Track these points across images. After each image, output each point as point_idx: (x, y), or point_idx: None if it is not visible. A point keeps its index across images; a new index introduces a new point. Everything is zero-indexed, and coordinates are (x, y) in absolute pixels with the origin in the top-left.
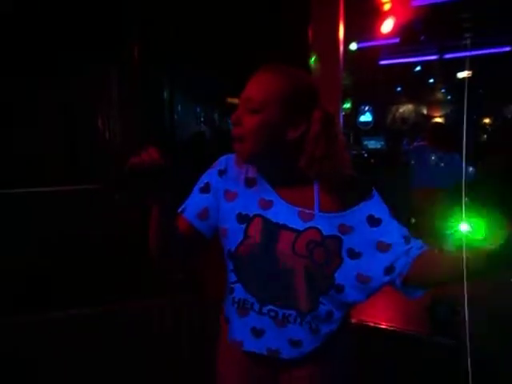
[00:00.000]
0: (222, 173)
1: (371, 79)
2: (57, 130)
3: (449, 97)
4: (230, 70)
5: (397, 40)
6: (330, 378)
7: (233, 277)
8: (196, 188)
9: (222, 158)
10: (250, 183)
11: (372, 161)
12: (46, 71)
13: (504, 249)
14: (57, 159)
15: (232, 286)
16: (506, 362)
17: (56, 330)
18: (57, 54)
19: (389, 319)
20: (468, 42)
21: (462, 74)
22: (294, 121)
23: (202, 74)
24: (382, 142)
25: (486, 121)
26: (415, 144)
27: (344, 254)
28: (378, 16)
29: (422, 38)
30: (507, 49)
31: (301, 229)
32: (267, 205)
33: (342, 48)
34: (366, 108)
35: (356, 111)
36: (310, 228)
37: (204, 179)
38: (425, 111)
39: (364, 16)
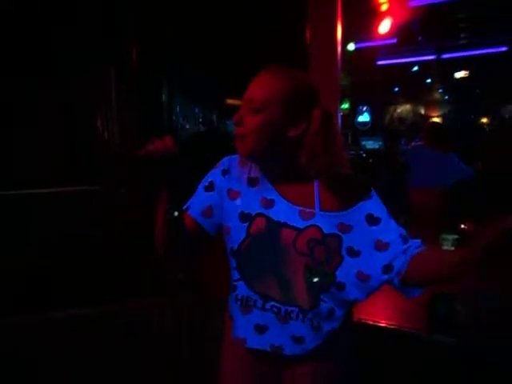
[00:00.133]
0: (225, 172)
1: (369, 79)
2: (56, 130)
3: (446, 97)
4: (229, 71)
5: (394, 40)
6: (332, 375)
7: (236, 274)
8: (200, 186)
9: (225, 159)
10: (252, 183)
11: (370, 161)
12: (45, 71)
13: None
14: (56, 160)
15: (235, 283)
16: (502, 359)
17: (56, 330)
18: (56, 54)
19: (388, 317)
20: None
21: (459, 74)
22: (295, 120)
23: (201, 74)
24: (380, 142)
25: (484, 120)
26: (413, 144)
27: (344, 252)
28: (376, 16)
29: (420, 38)
30: (504, 49)
31: (301, 227)
32: (269, 204)
33: (339, 48)
34: (364, 108)
35: (354, 111)
36: (310, 226)
37: (208, 178)
38: (422, 111)
39: (362, 16)
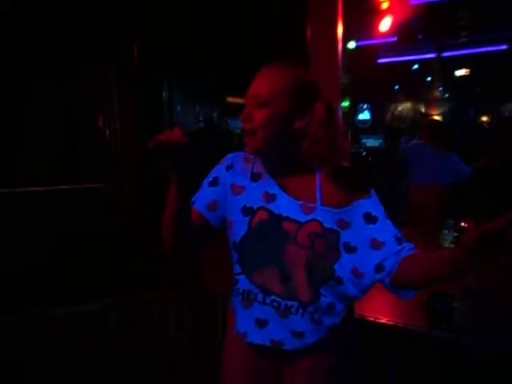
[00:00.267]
0: (228, 168)
1: (369, 77)
2: (57, 129)
3: (446, 95)
4: (229, 70)
5: (395, 38)
6: (333, 371)
7: (237, 268)
8: (205, 182)
9: (229, 155)
10: (255, 178)
11: (370, 159)
12: (46, 71)
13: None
14: (57, 158)
15: (237, 277)
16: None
17: (57, 328)
18: (57, 54)
19: (388, 314)
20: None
21: (459, 72)
22: (300, 112)
23: (201, 73)
24: (381, 140)
25: (484, 119)
26: (413, 142)
27: (341, 247)
28: (376, 14)
29: (420, 36)
30: (504, 47)
31: (302, 221)
32: (271, 198)
33: (340, 47)
34: (365, 106)
35: (354, 109)
36: (311, 220)
37: (212, 174)
38: (423, 109)
39: (362, 15)
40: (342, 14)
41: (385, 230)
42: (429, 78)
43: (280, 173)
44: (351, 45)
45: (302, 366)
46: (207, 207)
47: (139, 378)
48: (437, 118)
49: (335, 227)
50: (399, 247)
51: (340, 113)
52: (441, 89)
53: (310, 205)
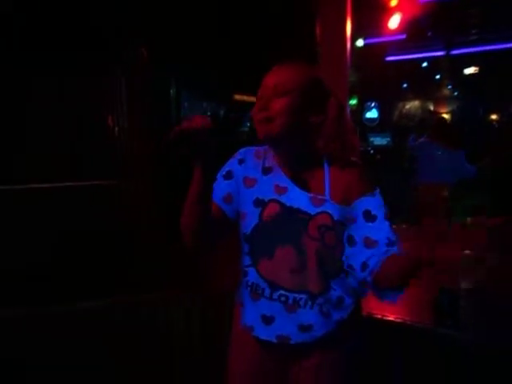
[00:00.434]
0: (241, 162)
1: (377, 75)
2: (67, 127)
3: (455, 93)
4: (237, 68)
5: (403, 36)
6: (340, 368)
7: (247, 260)
8: (219, 175)
9: (241, 150)
10: (266, 171)
11: (378, 157)
12: (56, 71)
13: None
14: (67, 156)
15: (246, 269)
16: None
17: (61, 324)
18: (67, 53)
19: (395, 311)
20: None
21: (468, 70)
22: (315, 108)
23: (209, 71)
24: (388, 139)
25: (493, 117)
26: (421, 140)
27: (345, 240)
28: (385, 12)
29: (429, 33)
30: None
31: (313, 213)
32: (282, 190)
33: (349, 45)
34: (372, 104)
35: (362, 108)
36: (321, 213)
37: (226, 168)
38: (431, 107)
39: (371, 12)
40: (351, 11)
41: (380, 230)
42: (438, 76)
43: (290, 166)
44: (359, 43)
45: (309, 362)
46: (223, 199)
47: (144, 376)
48: (445, 116)
49: (343, 220)
50: (387, 248)
51: (348, 111)
52: (450, 87)
53: (320, 197)
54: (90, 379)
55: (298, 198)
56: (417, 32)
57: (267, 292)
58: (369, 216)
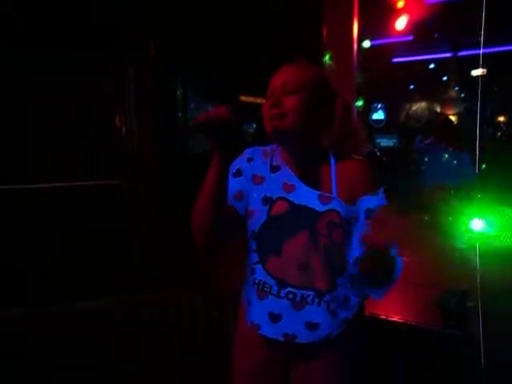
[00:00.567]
0: (249, 160)
1: (384, 77)
2: (76, 127)
3: (462, 94)
4: (243, 69)
5: (410, 37)
6: (345, 369)
7: (255, 257)
8: (229, 174)
9: (249, 149)
10: (274, 169)
11: (384, 158)
12: (64, 71)
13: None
14: (76, 156)
15: (254, 266)
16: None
17: (61, 324)
18: (75, 54)
19: (400, 312)
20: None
21: (476, 72)
22: (322, 106)
23: (215, 72)
24: (395, 140)
25: (501, 119)
26: (426, 141)
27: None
28: (392, 13)
29: (436, 35)
30: None
31: (321, 210)
32: (290, 188)
33: (355, 46)
34: (379, 106)
35: (368, 109)
36: (329, 210)
37: (235, 165)
38: (438, 109)
39: (377, 13)
40: (358, 13)
41: None
42: (445, 78)
43: (298, 164)
44: (366, 44)
45: (317, 362)
46: (234, 197)
47: (144, 376)
48: (452, 117)
49: (349, 218)
50: None
51: (354, 112)
52: (457, 88)
53: (328, 195)
54: (90, 379)
55: (306, 196)
56: (424, 33)
57: (275, 289)
58: (370, 214)
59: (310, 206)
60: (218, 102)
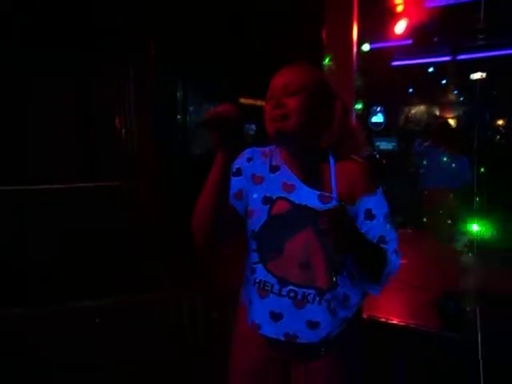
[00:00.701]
0: (249, 160)
1: (383, 80)
2: (75, 128)
3: (461, 98)
4: (243, 72)
5: (410, 41)
6: (344, 370)
7: (255, 257)
8: None
9: (248, 150)
10: (273, 169)
11: (384, 161)
12: (64, 71)
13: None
14: (75, 157)
15: (254, 266)
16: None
17: (61, 324)
18: (75, 54)
19: (399, 314)
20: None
21: (475, 76)
22: (322, 108)
23: (216, 73)
24: (394, 143)
25: (500, 122)
26: (425, 144)
27: None
28: (392, 17)
29: (435, 39)
30: None
31: (321, 210)
32: (290, 188)
33: (355, 49)
34: (378, 109)
35: (368, 112)
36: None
37: (235, 165)
38: (437, 112)
39: (377, 17)
40: (358, 16)
41: (376, 228)
42: (444, 81)
43: (297, 165)
44: (366, 47)
45: (318, 362)
46: (234, 196)
47: (144, 376)
48: (451, 121)
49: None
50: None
51: (353, 115)
52: (456, 92)
53: (328, 194)
54: (90, 379)
55: (306, 196)
56: (423, 37)
57: (276, 288)
58: (369, 215)
59: (311, 205)
60: (218, 103)
